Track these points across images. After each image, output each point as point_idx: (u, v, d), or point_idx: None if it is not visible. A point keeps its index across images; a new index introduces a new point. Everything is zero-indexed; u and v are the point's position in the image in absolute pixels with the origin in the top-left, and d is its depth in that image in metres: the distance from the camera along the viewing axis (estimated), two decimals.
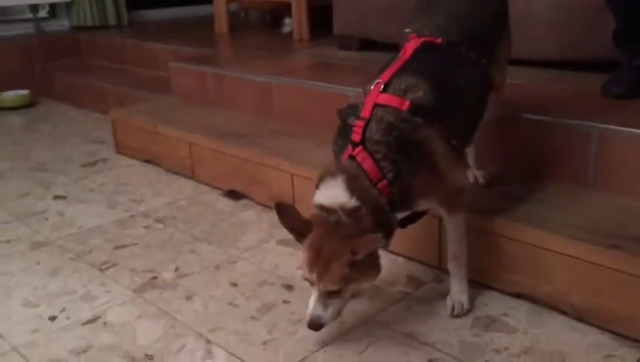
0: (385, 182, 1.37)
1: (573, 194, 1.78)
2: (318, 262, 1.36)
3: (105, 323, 1.64)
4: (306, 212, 2.14)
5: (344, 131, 1.46)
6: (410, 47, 1.51)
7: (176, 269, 1.91)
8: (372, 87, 1.46)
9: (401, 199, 1.41)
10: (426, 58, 1.49)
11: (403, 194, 1.41)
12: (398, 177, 1.38)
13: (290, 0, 3.60)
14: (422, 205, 1.51)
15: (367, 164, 1.37)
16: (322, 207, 1.39)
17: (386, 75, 1.46)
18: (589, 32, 2.27)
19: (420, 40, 1.52)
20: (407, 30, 1.58)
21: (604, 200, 1.74)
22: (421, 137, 1.41)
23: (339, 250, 1.35)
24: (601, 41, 2.15)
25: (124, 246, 2.08)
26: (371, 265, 1.40)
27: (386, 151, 1.38)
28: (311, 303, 1.42)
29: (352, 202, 1.36)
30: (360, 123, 1.40)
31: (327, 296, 1.40)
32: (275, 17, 4.45)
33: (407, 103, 1.40)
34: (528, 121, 1.91)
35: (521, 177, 1.90)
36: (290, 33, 3.75)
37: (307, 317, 1.43)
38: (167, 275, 1.88)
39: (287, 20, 4.00)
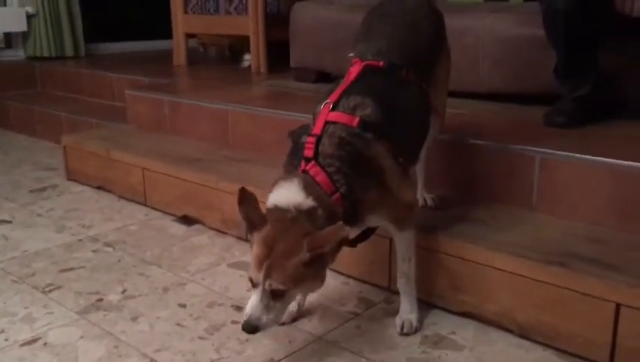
0: (338, 195, 1.38)
1: (518, 217, 1.83)
2: (269, 258, 1.31)
3: (45, 344, 1.58)
4: None
5: (296, 151, 1.47)
6: (354, 70, 1.57)
7: (123, 291, 1.87)
8: (321, 107, 1.49)
9: (352, 214, 1.42)
10: (370, 79, 1.54)
11: (354, 209, 1.42)
12: (351, 191, 1.39)
13: (248, 34, 3.66)
14: (372, 221, 1.53)
15: (321, 178, 1.38)
16: (276, 208, 1.36)
17: (334, 95, 1.50)
18: (532, 66, 2.38)
19: (364, 63, 1.57)
20: (351, 55, 1.64)
21: (548, 222, 1.79)
22: (372, 153, 1.43)
23: (294, 247, 1.30)
24: (543, 74, 2.26)
25: (71, 269, 2.03)
26: (322, 268, 1.36)
27: (339, 165, 1.39)
28: (251, 303, 1.33)
29: (308, 202, 1.34)
30: (312, 139, 1.42)
31: (271, 297, 1.33)
32: (234, 52, 4.52)
33: (356, 120, 1.44)
34: (474, 147, 1.97)
35: (468, 200, 1.95)
36: (249, 67, 3.80)
37: (244, 318, 1.33)
38: (113, 297, 1.83)
39: (246, 56, 4.07)
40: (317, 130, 1.44)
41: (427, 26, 1.75)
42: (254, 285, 1.35)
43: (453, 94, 2.45)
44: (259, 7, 3.57)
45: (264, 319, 1.33)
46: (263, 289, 1.32)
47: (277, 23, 3.57)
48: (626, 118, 2.18)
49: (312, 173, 1.39)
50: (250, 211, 1.36)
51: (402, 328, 1.60)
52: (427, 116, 1.69)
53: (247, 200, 1.36)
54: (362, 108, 1.45)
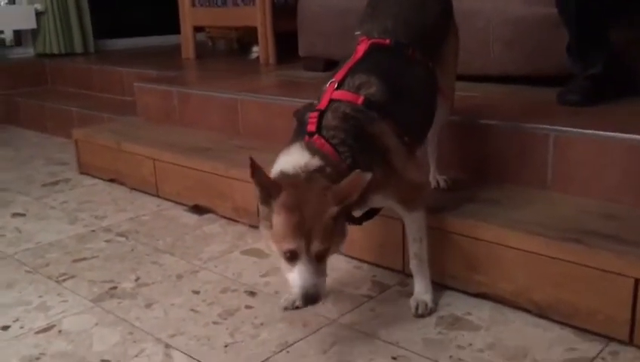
0: (345, 165, 1.36)
1: (532, 196, 1.81)
2: (305, 222, 1.26)
3: (60, 331, 1.59)
4: None
5: (301, 128, 1.45)
6: (361, 48, 1.55)
7: (137, 279, 1.87)
8: (327, 86, 1.48)
9: None
10: (377, 58, 1.53)
11: None
12: (356, 165, 1.36)
13: (256, 25, 3.65)
14: (376, 201, 1.49)
15: (326, 148, 1.36)
16: (284, 174, 1.33)
17: (340, 74, 1.49)
18: (543, 47, 2.34)
19: (370, 41, 1.56)
20: (357, 33, 1.63)
21: (562, 200, 1.77)
22: (376, 131, 1.41)
23: (322, 204, 1.27)
24: (555, 55, 2.23)
25: (84, 259, 2.03)
26: (344, 222, 1.35)
27: (343, 137, 1.37)
28: (301, 274, 1.28)
29: (314, 162, 1.32)
30: (315, 114, 1.41)
31: (316, 261, 1.28)
32: (243, 45, 4.51)
33: (361, 98, 1.43)
34: (487, 127, 1.95)
35: (481, 181, 1.93)
36: (258, 59, 3.79)
37: (302, 291, 1.28)
38: (127, 285, 1.83)
39: (255, 48, 4.06)
40: (321, 106, 1.43)
41: (434, 5, 1.73)
42: (294, 256, 1.29)
43: (464, 78, 2.42)
44: None
45: (320, 285, 1.29)
46: (308, 256, 1.28)
47: (285, 13, 3.56)
48: (638, 94, 2.14)
49: (317, 145, 1.37)
50: (264, 179, 1.32)
51: (417, 309, 1.59)
52: (434, 96, 1.67)
53: (258, 168, 1.32)
54: (367, 87, 1.44)
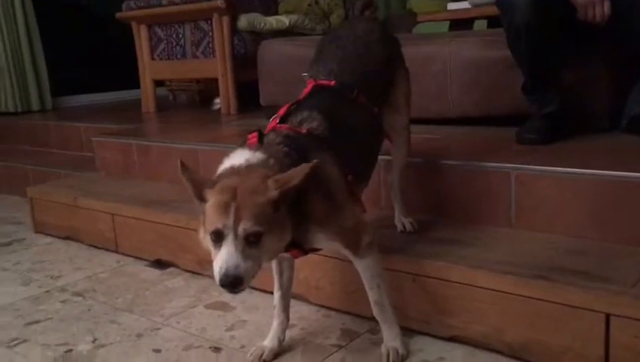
0: (289, 161, 1.31)
1: (499, 234, 1.80)
2: (236, 200, 1.18)
3: None
4: None
5: None
6: (306, 89, 1.57)
7: (94, 341, 1.77)
8: (270, 122, 1.48)
9: (297, 223, 1.30)
10: (320, 97, 1.54)
11: (298, 216, 1.30)
12: None
13: (217, 76, 3.65)
14: (319, 239, 1.39)
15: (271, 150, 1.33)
16: (224, 170, 1.29)
17: (282, 110, 1.49)
18: (500, 88, 2.38)
19: (315, 82, 1.58)
20: (305, 75, 1.64)
21: (527, 237, 1.76)
22: (319, 157, 1.33)
23: (260, 187, 1.21)
24: (513, 95, 2.27)
25: (37, 321, 1.92)
26: (287, 217, 1.26)
27: (287, 151, 1.33)
28: (223, 253, 1.17)
29: (258, 155, 1.29)
30: (254, 133, 1.39)
31: (246, 244, 1.18)
32: (205, 97, 4.50)
33: (304, 130, 1.42)
34: (450, 167, 1.95)
35: (447, 222, 1.91)
36: (220, 110, 3.78)
37: (220, 271, 1.15)
38: (84, 347, 1.73)
39: (217, 100, 4.05)
40: (265, 131, 1.42)
41: (379, 49, 1.73)
42: (221, 237, 1.19)
43: (424, 121, 2.45)
44: (226, 48, 3.58)
45: (242, 267, 1.16)
46: (236, 236, 1.18)
47: (245, 63, 3.56)
48: (593, 130, 2.18)
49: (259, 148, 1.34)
50: (195, 175, 1.27)
51: (388, 357, 1.53)
52: (377, 140, 1.68)
53: (188, 168, 1.27)
54: (309, 122, 1.44)
